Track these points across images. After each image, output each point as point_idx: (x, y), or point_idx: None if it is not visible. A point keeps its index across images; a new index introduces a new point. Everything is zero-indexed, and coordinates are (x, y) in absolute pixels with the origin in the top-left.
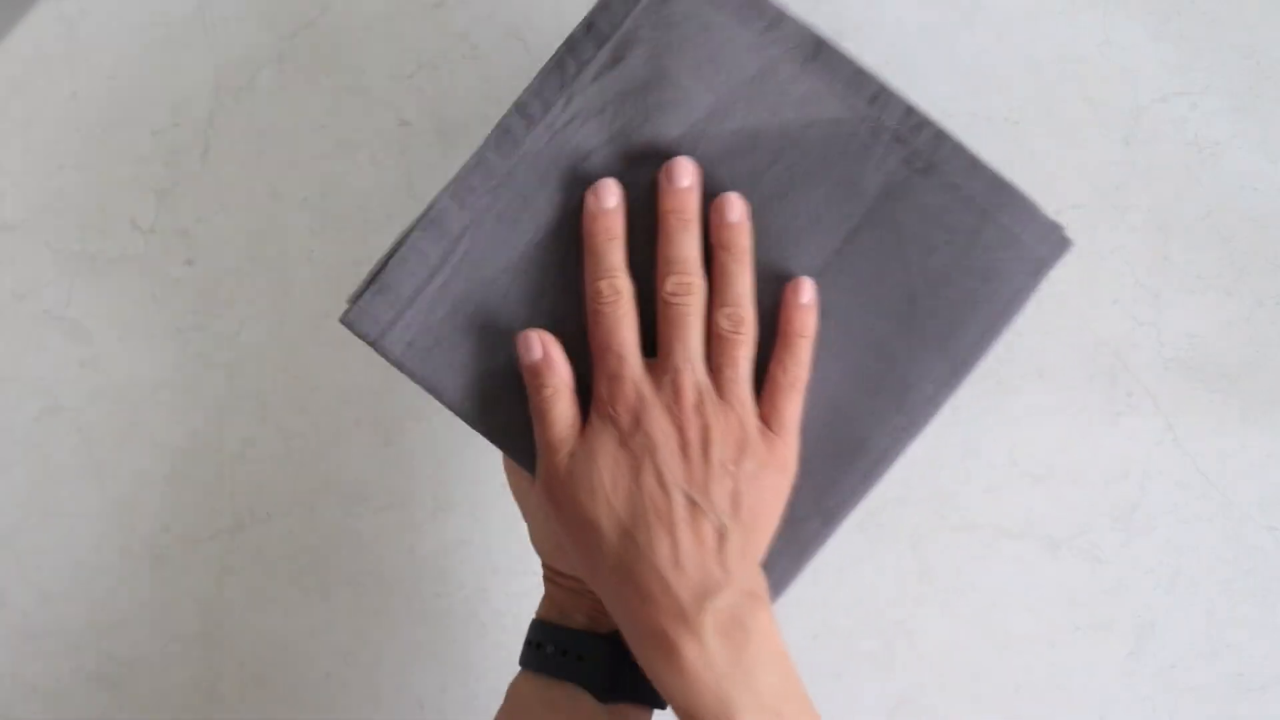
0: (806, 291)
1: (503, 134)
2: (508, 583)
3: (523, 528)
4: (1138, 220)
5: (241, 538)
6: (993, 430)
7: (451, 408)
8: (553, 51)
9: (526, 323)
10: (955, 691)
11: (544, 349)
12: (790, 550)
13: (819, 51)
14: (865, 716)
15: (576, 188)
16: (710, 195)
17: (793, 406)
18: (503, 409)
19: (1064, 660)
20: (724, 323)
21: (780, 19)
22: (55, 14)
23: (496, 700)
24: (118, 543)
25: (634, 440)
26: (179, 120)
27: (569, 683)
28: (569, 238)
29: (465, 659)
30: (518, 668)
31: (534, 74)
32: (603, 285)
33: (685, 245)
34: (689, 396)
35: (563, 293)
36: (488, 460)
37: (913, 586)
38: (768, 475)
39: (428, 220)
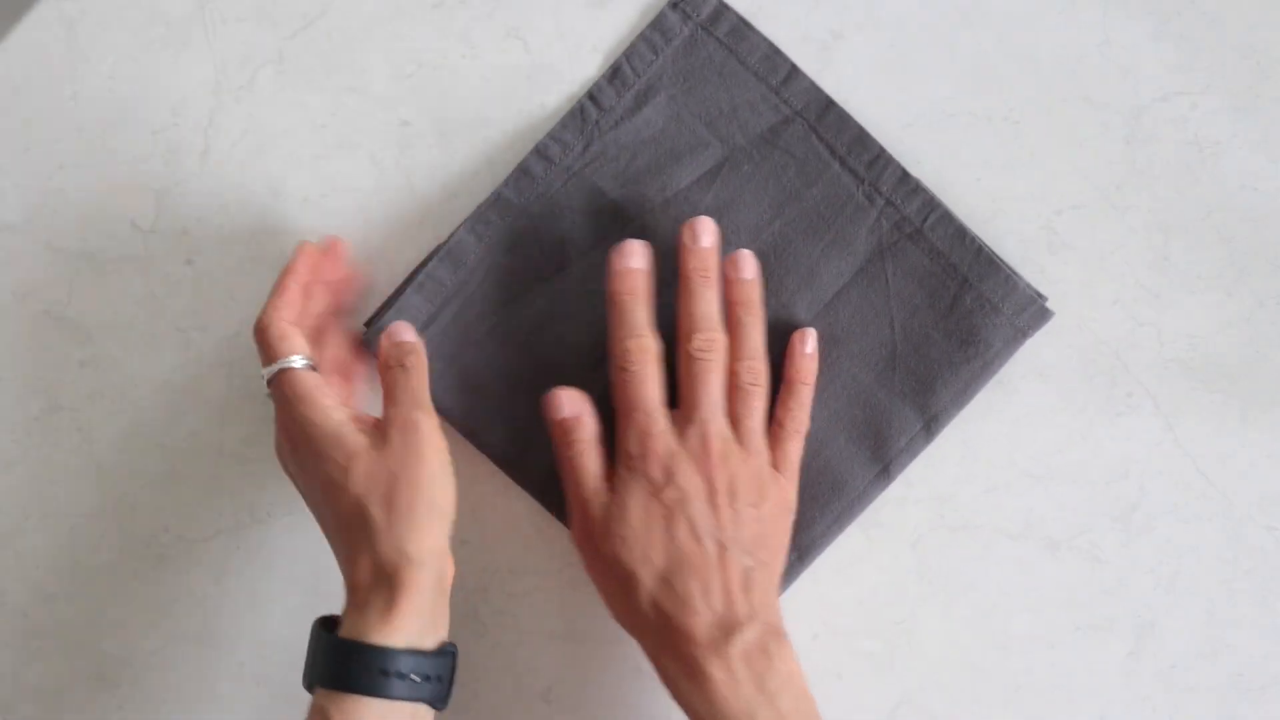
0: (810, 341)
1: (521, 174)
2: (507, 583)
3: (522, 528)
4: (1138, 220)
5: (241, 538)
6: (993, 430)
7: (453, 424)
8: (552, 52)
9: (535, 352)
10: (955, 691)
11: (573, 407)
12: None
13: (827, 112)
14: (865, 716)
15: (589, 228)
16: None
17: (798, 450)
18: (514, 438)
19: (1064, 660)
20: (744, 375)
21: (794, 74)
22: (55, 14)
23: (496, 700)
24: (118, 543)
25: (666, 493)
26: (179, 120)
27: (414, 702)
28: (580, 274)
29: (465, 659)
30: (513, 665)
31: (534, 72)
32: (631, 345)
33: (708, 302)
34: (716, 447)
35: (571, 324)
36: (488, 460)
37: (913, 586)
38: (782, 516)
39: (445, 251)
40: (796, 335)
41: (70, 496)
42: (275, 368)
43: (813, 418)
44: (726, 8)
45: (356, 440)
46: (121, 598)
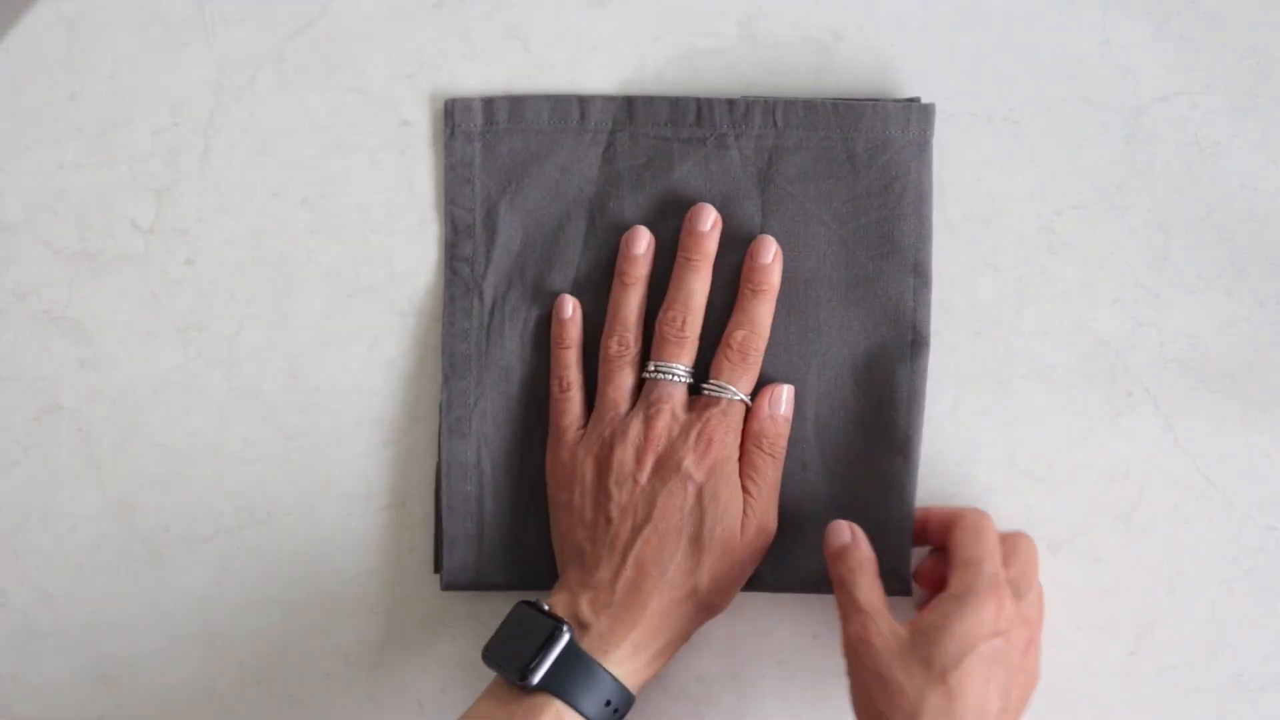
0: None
1: (450, 359)
2: None
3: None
4: (1138, 220)
5: (241, 538)
6: (993, 430)
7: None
8: (552, 52)
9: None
10: None
11: None
12: None
13: (633, 108)
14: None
15: (534, 341)
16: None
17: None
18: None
19: (1064, 660)
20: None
21: (585, 103)
22: (55, 14)
23: None
24: (118, 543)
25: (995, 642)
26: (179, 120)
27: None
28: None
29: (465, 659)
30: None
31: (534, 72)
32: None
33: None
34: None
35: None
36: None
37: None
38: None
39: (446, 462)
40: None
41: (70, 496)
42: (742, 396)
43: (828, 356)
44: (491, 100)
45: (738, 508)
46: (121, 598)
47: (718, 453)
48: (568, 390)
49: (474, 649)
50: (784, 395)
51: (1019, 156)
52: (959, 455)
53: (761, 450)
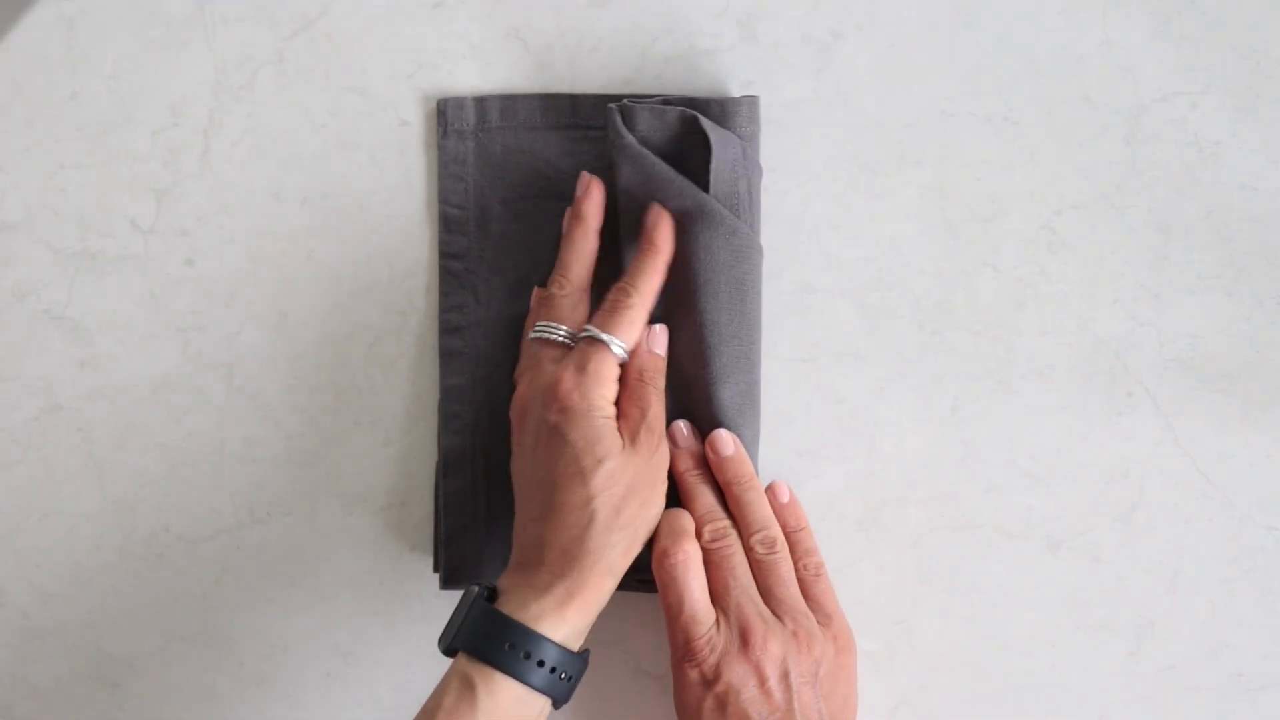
0: (784, 491)
1: (448, 357)
2: None
3: None
4: (1138, 220)
5: (241, 538)
6: (993, 430)
7: None
8: (552, 52)
9: None
10: (955, 691)
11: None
12: None
13: (622, 109)
14: (865, 716)
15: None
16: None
17: (829, 592)
18: None
19: (1064, 660)
20: (759, 549)
21: (575, 101)
22: (55, 14)
23: None
24: (118, 543)
25: (716, 688)
26: (179, 120)
27: (546, 696)
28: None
29: None
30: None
31: (533, 72)
32: (668, 544)
33: (707, 494)
34: (756, 632)
35: None
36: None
37: (913, 586)
38: (843, 661)
39: (443, 459)
40: (770, 491)
41: (70, 496)
42: (596, 335)
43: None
44: (484, 99)
45: (615, 440)
46: (121, 598)
47: (578, 402)
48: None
49: None
50: (659, 333)
51: (1019, 156)
52: (959, 455)
53: (644, 382)
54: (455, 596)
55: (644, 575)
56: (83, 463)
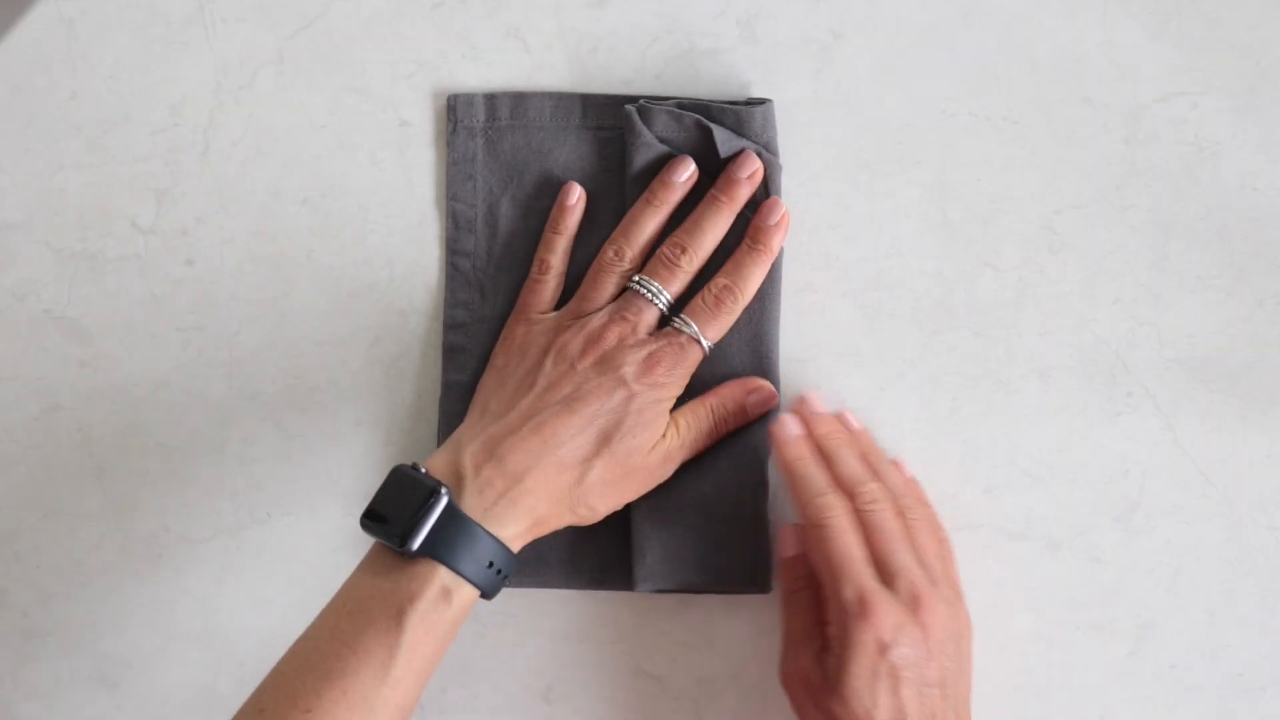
0: (905, 469)
1: (451, 353)
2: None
3: None
4: (1138, 220)
5: (241, 538)
6: (993, 430)
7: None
8: (552, 52)
9: None
10: None
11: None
12: None
13: (648, 111)
14: None
15: None
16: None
17: (954, 568)
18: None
19: (1064, 660)
20: (906, 515)
21: (587, 101)
22: (55, 14)
23: (496, 700)
24: (118, 543)
25: (892, 654)
26: (179, 120)
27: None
28: None
29: (465, 659)
30: (513, 665)
31: (534, 72)
32: (821, 502)
33: (853, 459)
34: (927, 601)
35: None
36: None
37: None
38: (968, 645)
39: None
40: (896, 466)
41: (70, 496)
42: (697, 337)
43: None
44: (494, 96)
45: (658, 434)
46: (121, 598)
47: (660, 378)
48: (546, 273)
49: (474, 649)
50: (768, 397)
51: (1019, 156)
52: (959, 455)
53: (710, 409)
54: None
55: (660, 585)
56: (83, 463)
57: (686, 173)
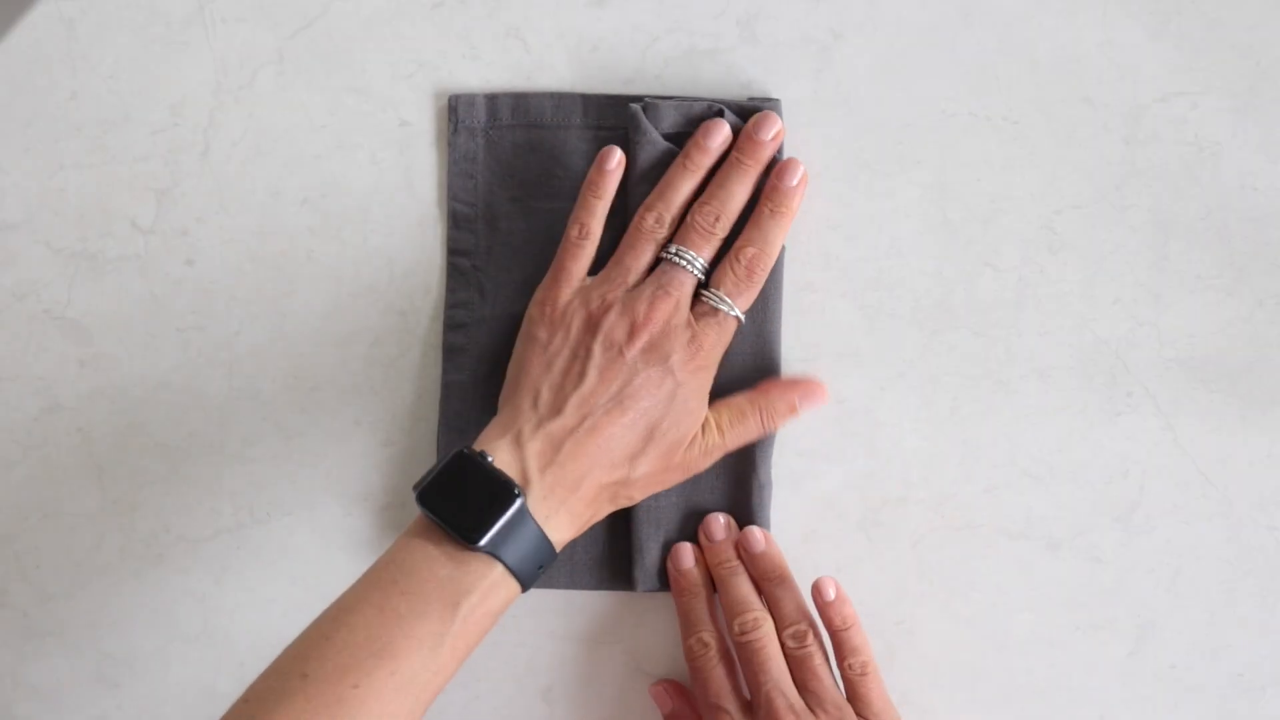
0: (830, 589)
1: (451, 353)
2: None
3: None
4: (1138, 220)
5: (241, 538)
6: (993, 430)
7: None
8: (552, 52)
9: None
10: (955, 691)
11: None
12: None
13: (648, 110)
14: None
15: None
16: None
17: (877, 690)
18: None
19: (1064, 660)
20: (791, 644)
21: (586, 101)
22: (55, 14)
23: (497, 700)
24: (118, 543)
25: None
26: (179, 120)
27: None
28: None
29: (465, 659)
30: (513, 665)
31: (534, 72)
32: (692, 642)
33: (738, 587)
34: None
35: None
36: None
37: (913, 586)
38: None
39: (443, 457)
40: (814, 589)
41: (70, 496)
42: (732, 310)
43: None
44: (495, 96)
45: (697, 424)
46: (121, 598)
47: (703, 360)
48: (586, 237)
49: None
50: (818, 394)
51: (1019, 156)
52: (959, 455)
53: (758, 411)
54: None
55: (660, 585)
56: (83, 463)
57: (721, 136)
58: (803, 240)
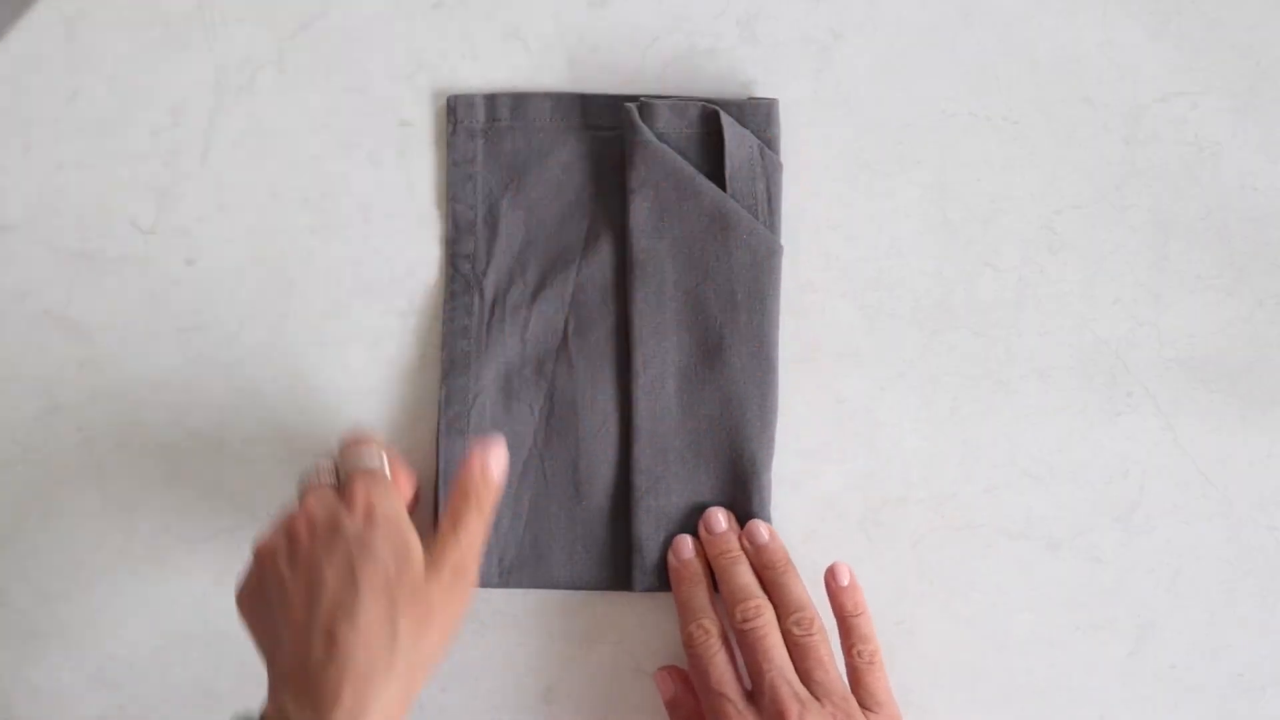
0: (844, 574)
1: (451, 361)
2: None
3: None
4: (1138, 220)
5: (241, 538)
6: (993, 430)
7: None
8: (552, 52)
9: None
10: (955, 691)
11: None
12: None
13: (630, 110)
14: None
15: (546, 338)
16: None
17: (882, 681)
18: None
19: (1064, 660)
20: (796, 630)
21: (586, 100)
22: (55, 14)
23: (496, 700)
24: (118, 543)
25: None
26: (179, 120)
27: None
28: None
29: (465, 659)
30: (513, 665)
31: (533, 73)
32: (692, 628)
33: (740, 575)
34: (792, 711)
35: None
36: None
37: (913, 586)
38: None
39: (444, 460)
40: (828, 574)
41: (70, 496)
42: (359, 466)
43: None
44: (494, 97)
45: (419, 554)
46: (121, 598)
47: (379, 512)
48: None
49: (473, 648)
50: (495, 449)
51: (1019, 156)
52: (959, 455)
53: (469, 503)
54: None
55: (660, 585)
56: (83, 463)
57: (723, 523)
58: (803, 240)
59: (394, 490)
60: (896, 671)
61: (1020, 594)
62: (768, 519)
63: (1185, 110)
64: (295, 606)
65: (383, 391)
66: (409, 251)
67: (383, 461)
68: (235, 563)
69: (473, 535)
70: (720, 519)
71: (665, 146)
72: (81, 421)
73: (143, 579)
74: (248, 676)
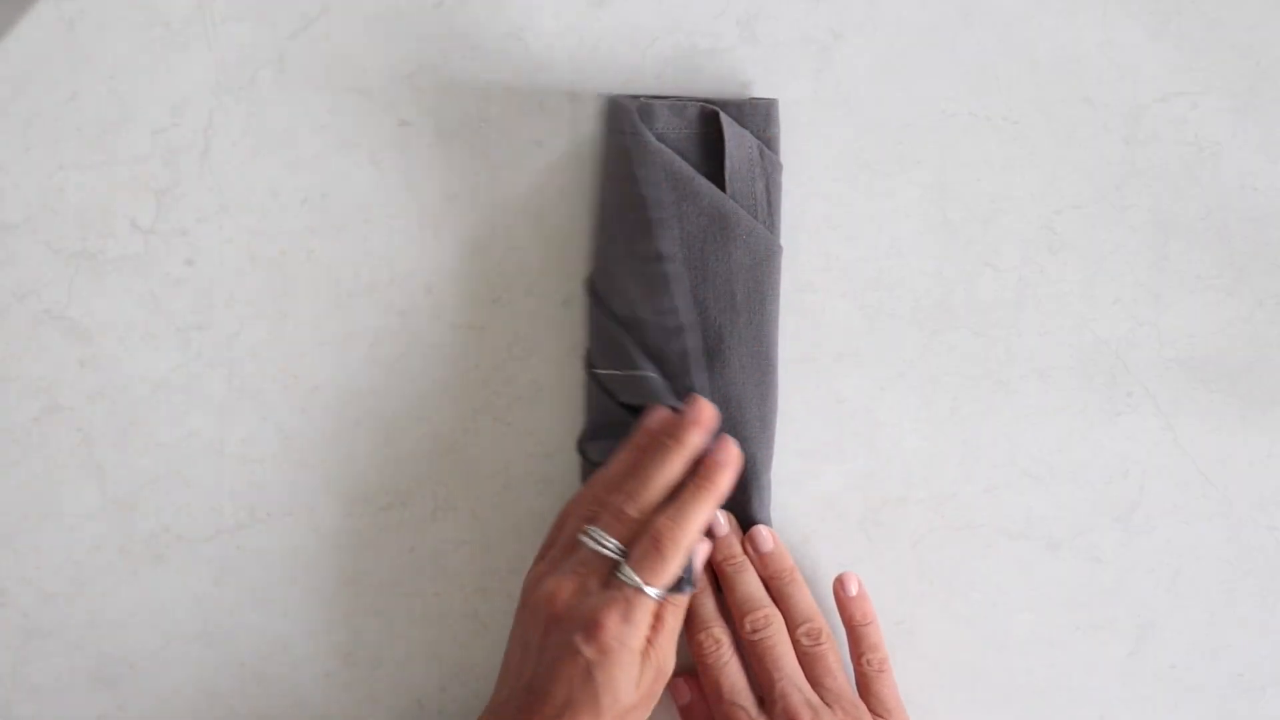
0: (853, 584)
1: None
2: (507, 582)
3: (522, 528)
4: (1138, 220)
5: (241, 538)
6: (993, 430)
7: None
8: (552, 52)
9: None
10: (955, 691)
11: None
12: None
13: (651, 111)
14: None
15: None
16: None
17: (891, 688)
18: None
19: (1064, 660)
20: (805, 640)
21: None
22: (55, 14)
23: None
24: (118, 543)
25: None
26: (179, 120)
27: None
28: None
29: (465, 659)
30: None
31: (533, 73)
32: (702, 637)
33: (746, 584)
34: (805, 716)
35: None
36: (488, 461)
37: (913, 586)
38: None
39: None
40: (837, 583)
41: (70, 496)
42: (641, 587)
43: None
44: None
45: (635, 676)
46: (121, 598)
47: (609, 640)
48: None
49: (474, 648)
50: (698, 560)
51: (1019, 156)
52: (959, 455)
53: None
54: (454, 598)
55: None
56: (83, 463)
57: (726, 527)
58: (803, 240)
59: (646, 621)
60: (897, 672)
61: (1020, 594)
62: (768, 520)
63: (1185, 110)
64: (525, 671)
65: (383, 392)
66: (409, 251)
67: (660, 592)
68: (235, 563)
69: (672, 631)
70: (722, 522)
71: (662, 147)
72: (81, 421)
73: (143, 579)
74: (248, 676)
